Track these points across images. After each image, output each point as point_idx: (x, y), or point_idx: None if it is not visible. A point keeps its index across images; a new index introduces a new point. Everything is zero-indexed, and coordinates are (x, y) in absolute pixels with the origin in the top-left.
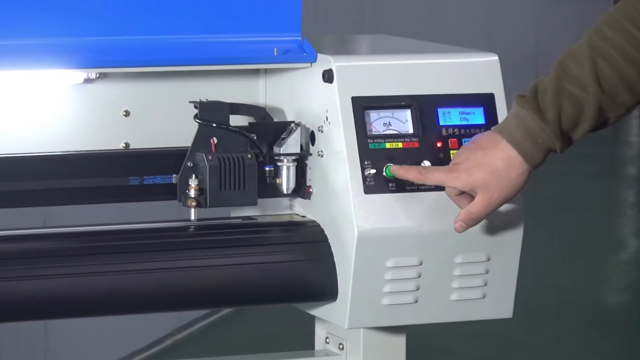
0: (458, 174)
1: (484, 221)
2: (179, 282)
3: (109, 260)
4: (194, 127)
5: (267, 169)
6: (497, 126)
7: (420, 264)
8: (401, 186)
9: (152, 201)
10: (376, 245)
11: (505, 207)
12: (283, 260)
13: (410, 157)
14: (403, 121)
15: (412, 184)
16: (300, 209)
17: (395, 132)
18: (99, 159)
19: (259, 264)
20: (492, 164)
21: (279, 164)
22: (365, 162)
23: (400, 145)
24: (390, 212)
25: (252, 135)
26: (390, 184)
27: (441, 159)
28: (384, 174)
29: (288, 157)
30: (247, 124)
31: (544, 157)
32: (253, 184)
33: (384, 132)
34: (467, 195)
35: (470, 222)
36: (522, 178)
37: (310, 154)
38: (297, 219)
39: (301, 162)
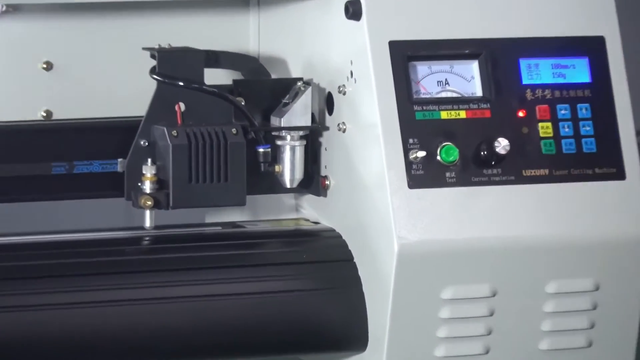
0: None
1: (590, 232)
2: (124, 323)
3: (17, 288)
4: (150, 86)
5: (262, 150)
6: None
7: (494, 296)
8: (465, 176)
9: (86, 199)
10: (426, 266)
11: (623, 214)
12: (285, 289)
13: (478, 132)
14: (467, 78)
15: (481, 171)
16: (310, 211)
17: (455, 95)
18: (7, 134)
19: (248, 296)
20: None
21: (278, 142)
22: (411, 141)
23: (462, 114)
24: (447, 215)
25: (239, 99)
26: (448, 174)
27: (526, 136)
28: (439, 157)
29: (293, 133)
30: (230, 82)
31: None
32: (240, 173)
33: (439, 96)
34: None
35: None
36: None
37: (327, 128)
38: (306, 226)
39: (313, 140)
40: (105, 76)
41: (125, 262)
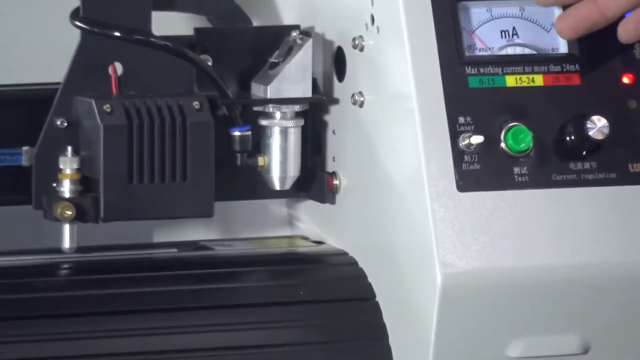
0: None
1: None
2: None
3: None
4: (71, 39)
5: (238, 134)
6: None
7: (586, 353)
8: (542, 172)
9: None
10: (484, 308)
11: None
12: (275, 342)
13: (561, 107)
14: (546, 27)
15: (566, 166)
16: (311, 225)
17: (527, 52)
18: None
19: (219, 353)
20: None
21: (263, 123)
22: (461, 120)
23: (539, 80)
24: (516, 232)
25: (204, 57)
26: (516, 169)
27: (634, 113)
28: (504, 145)
29: (285, 109)
30: (191, 31)
31: None
32: (205, 168)
33: (503, 52)
34: None
35: None
36: None
37: (336, 101)
38: (304, 247)
39: (314, 119)
40: (3, 25)
41: (35, 302)
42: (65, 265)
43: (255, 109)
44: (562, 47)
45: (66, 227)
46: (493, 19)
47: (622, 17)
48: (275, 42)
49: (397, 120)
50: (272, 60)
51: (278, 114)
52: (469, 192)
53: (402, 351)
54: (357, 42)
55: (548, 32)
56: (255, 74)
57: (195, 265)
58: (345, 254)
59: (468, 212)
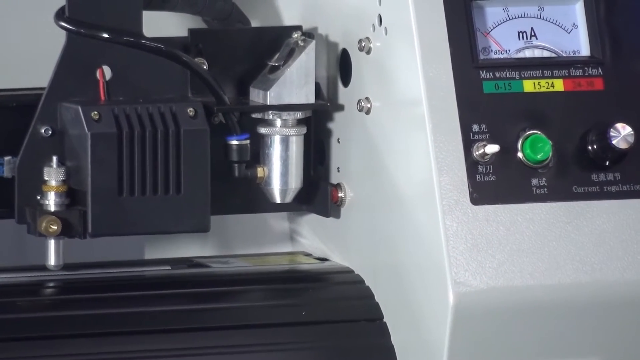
0: None
1: None
2: None
3: None
4: (56, 41)
5: (236, 143)
6: None
7: None
8: (563, 184)
9: None
10: (500, 329)
11: None
12: None
13: (583, 114)
14: (566, 28)
15: (588, 177)
16: (314, 240)
17: (547, 55)
18: None
19: None
20: None
21: (263, 131)
22: (475, 128)
23: (559, 85)
24: (534, 248)
25: (199, 60)
26: (534, 180)
27: None
28: (521, 155)
29: (286, 116)
30: (185, 33)
31: None
32: (200, 180)
33: (520, 55)
34: None
35: None
36: None
37: (341, 108)
38: (307, 264)
39: (318, 127)
40: None
41: (19, 323)
42: (51, 284)
43: (254, 116)
44: (584, 50)
45: (51, 243)
46: (510, 19)
47: None
48: (275, 44)
49: (407, 128)
50: (272, 63)
51: (278, 122)
52: (483, 205)
53: None
54: (363, 44)
55: (569, 33)
56: (253, 78)
57: (189, 283)
58: (350, 271)
59: (483, 227)
